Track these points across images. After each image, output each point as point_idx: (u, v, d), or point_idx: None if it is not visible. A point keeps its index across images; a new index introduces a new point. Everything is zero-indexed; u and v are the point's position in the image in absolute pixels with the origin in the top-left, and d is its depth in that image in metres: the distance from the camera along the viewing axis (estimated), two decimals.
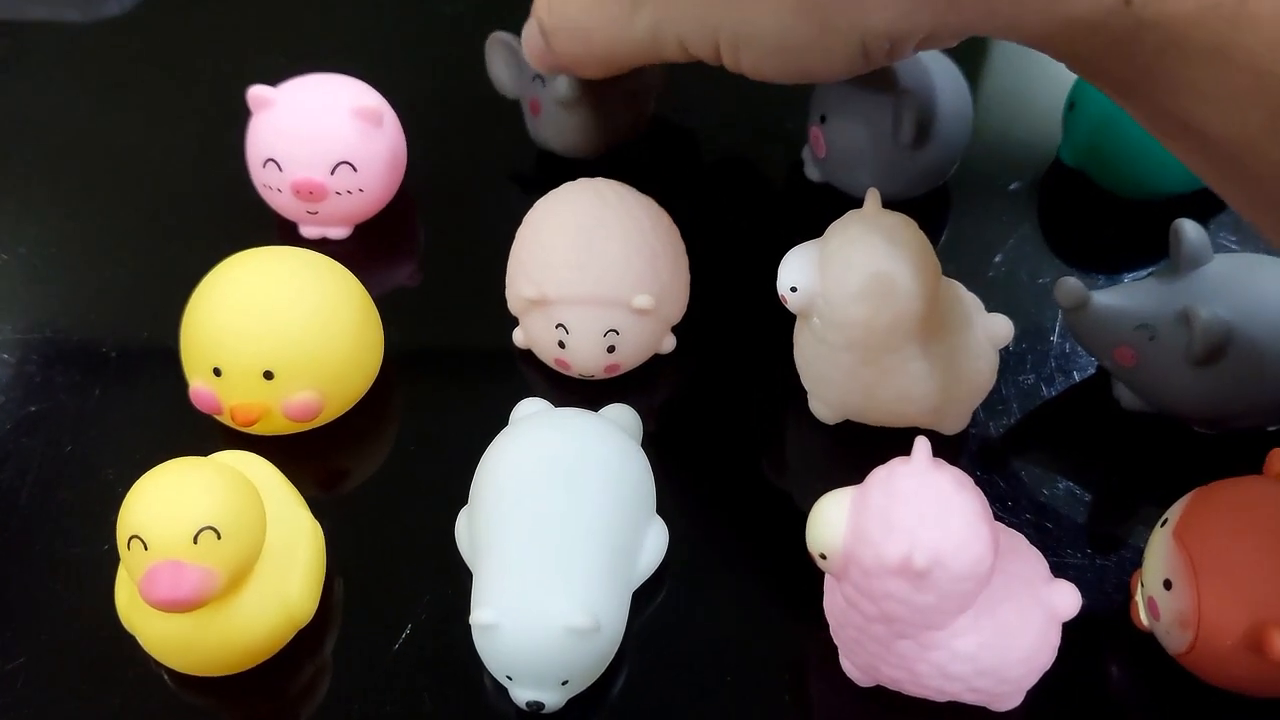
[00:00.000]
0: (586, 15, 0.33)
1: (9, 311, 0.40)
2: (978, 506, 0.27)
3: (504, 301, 0.38)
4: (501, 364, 0.38)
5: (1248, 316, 0.32)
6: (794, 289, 0.32)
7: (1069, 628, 0.32)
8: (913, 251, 0.31)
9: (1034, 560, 0.29)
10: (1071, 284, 0.33)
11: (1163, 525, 0.30)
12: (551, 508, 0.30)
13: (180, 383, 0.35)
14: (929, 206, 0.41)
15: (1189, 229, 0.33)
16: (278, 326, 0.33)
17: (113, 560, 0.31)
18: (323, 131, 0.38)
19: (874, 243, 0.31)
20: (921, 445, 0.27)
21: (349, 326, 0.34)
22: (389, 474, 0.36)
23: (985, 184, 0.43)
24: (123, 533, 0.28)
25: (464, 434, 0.34)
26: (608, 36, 0.33)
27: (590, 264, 0.35)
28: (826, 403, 0.35)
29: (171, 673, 0.31)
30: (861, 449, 0.35)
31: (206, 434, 0.35)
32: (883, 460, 0.28)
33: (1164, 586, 0.29)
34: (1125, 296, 0.33)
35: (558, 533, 0.30)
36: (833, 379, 0.34)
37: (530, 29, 0.37)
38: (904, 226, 0.32)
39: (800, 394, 0.36)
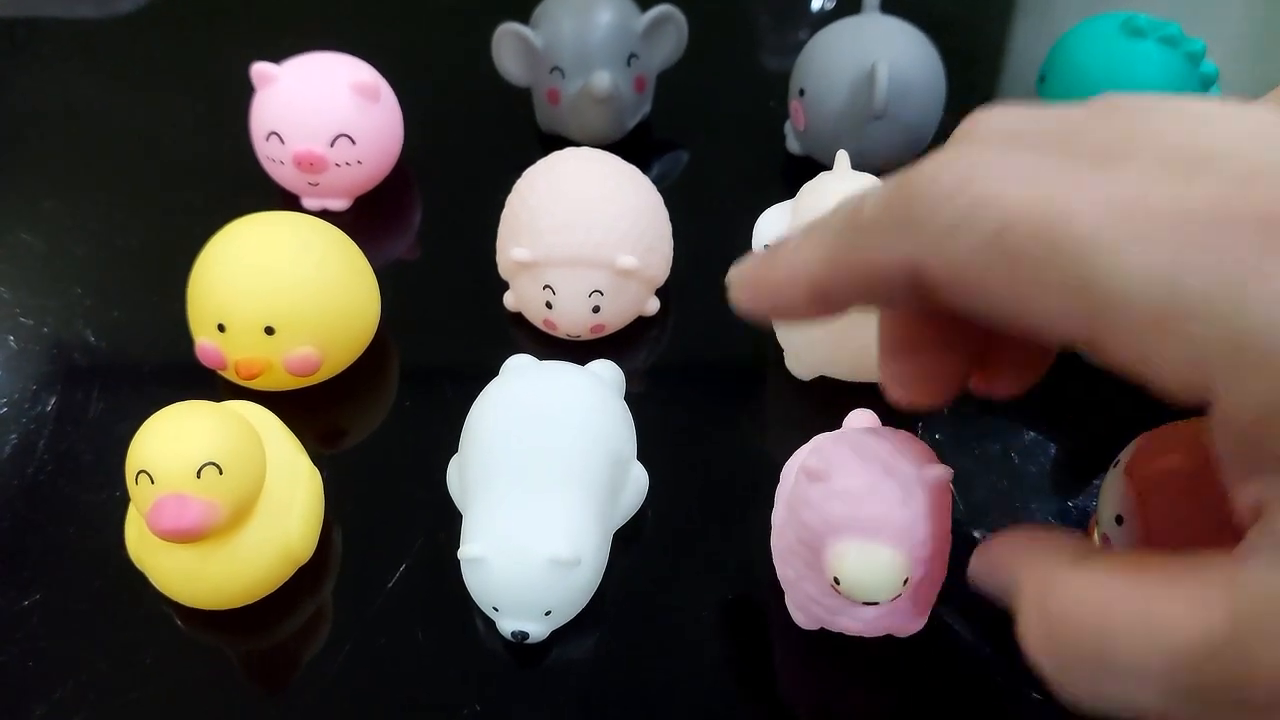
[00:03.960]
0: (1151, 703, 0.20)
1: (28, 278, 0.42)
2: None
3: (495, 269, 0.40)
4: (493, 327, 0.40)
5: None
6: (767, 246, 0.34)
7: None
8: None
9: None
10: None
11: (1115, 465, 0.31)
12: (536, 449, 0.32)
13: (187, 343, 0.37)
14: None
15: None
16: (278, 284, 0.35)
17: (122, 505, 0.33)
18: (322, 105, 0.40)
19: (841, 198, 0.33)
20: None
21: (346, 285, 0.36)
22: (385, 429, 0.38)
23: None
24: (131, 468, 0.29)
25: (456, 392, 0.36)
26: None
27: (576, 227, 0.37)
28: (800, 359, 0.37)
29: (178, 609, 0.33)
30: (833, 404, 0.36)
31: (212, 389, 0.37)
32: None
33: (1116, 522, 0.31)
34: None
35: (541, 473, 0.31)
36: (804, 332, 0.35)
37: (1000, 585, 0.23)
38: (869, 185, 0.34)
39: (776, 355, 0.38)
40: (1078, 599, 0.21)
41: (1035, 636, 0.22)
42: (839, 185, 0.34)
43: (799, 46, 0.44)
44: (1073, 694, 0.21)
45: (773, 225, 0.34)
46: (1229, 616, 0.19)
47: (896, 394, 0.26)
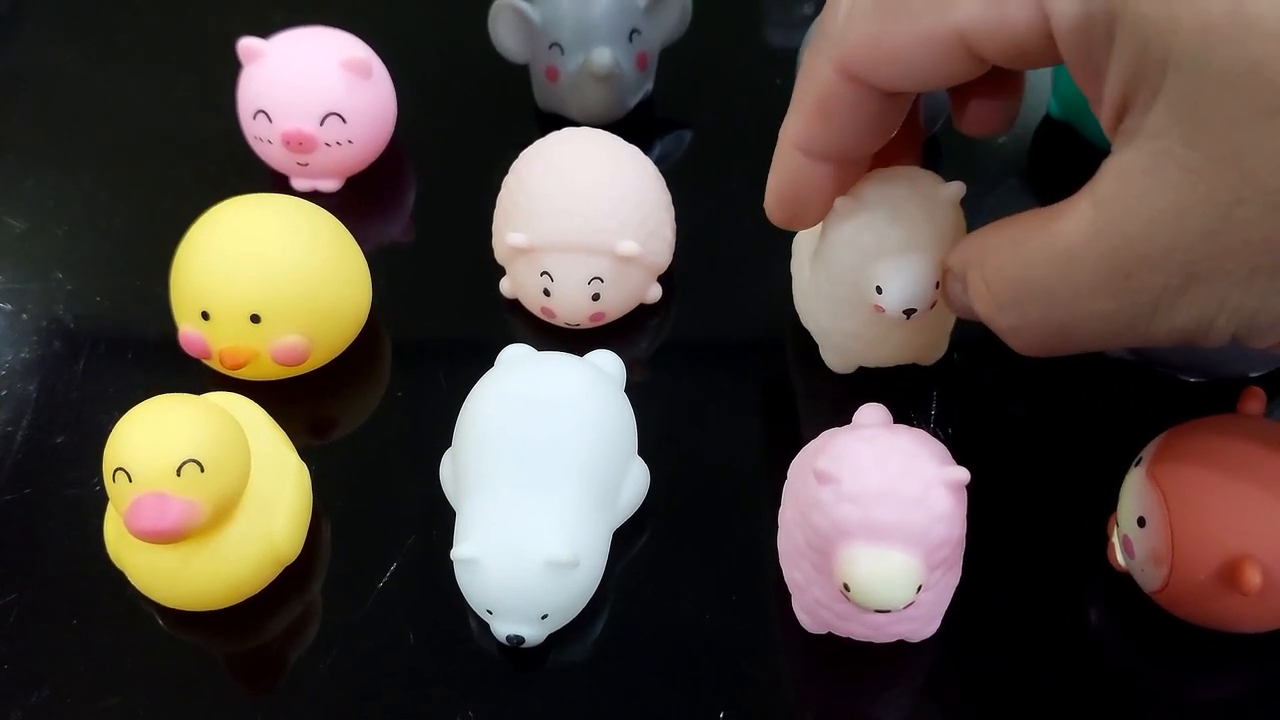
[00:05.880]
0: (1079, 308, 0.24)
1: (5, 261, 0.40)
2: None
3: (491, 254, 0.38)
4: (489, 314, 0.39)
5: None
6: (910, 311, 0.30)
7: (1046, 570, 0.32)
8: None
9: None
10: None
11: (1137, 465, 0.30)
12: (532, 445, 0.30)
13: (171, 330, 0.35)
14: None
15: None
16: (264, 270, 0.33)
17: (103, 500, 0.31)
18: (311, 83, 0.39)
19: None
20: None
21: (335, 271, 0.35)
22: (376, 420, 0.36)
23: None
24: (108, 465, 0.28)
25: (451, 382, 0.35)
26: (1112, 333, 0.24)
27: (574, 211, 0.35)
28: (838, 350, 0.35)
29: (161, 609, 0.32)
30: (844, 396, 0.35)
31: (196, 379, 0.36)
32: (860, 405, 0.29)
33: (1138, 524, 0.29)
34: None
35: (538, 470, 0.30)
36: (841, 324, 0.34)
37: (964, 303, 0.27)
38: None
39: (781, 344, 0.37)
40: (997, 251, 0.25)
41: (983, 299, 0.26)
42: (878, 190, 0.32)
43: (804, 21, 0.42)
44: (1022, 335, 0.25)
45: (912, 282, 0.30)
46: (1092, 205, 0.22)
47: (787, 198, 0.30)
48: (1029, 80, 0.46)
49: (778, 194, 0.30)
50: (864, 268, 0.30)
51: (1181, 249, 0.21)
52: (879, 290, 0.30)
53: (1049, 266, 0.24)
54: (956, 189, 0.30)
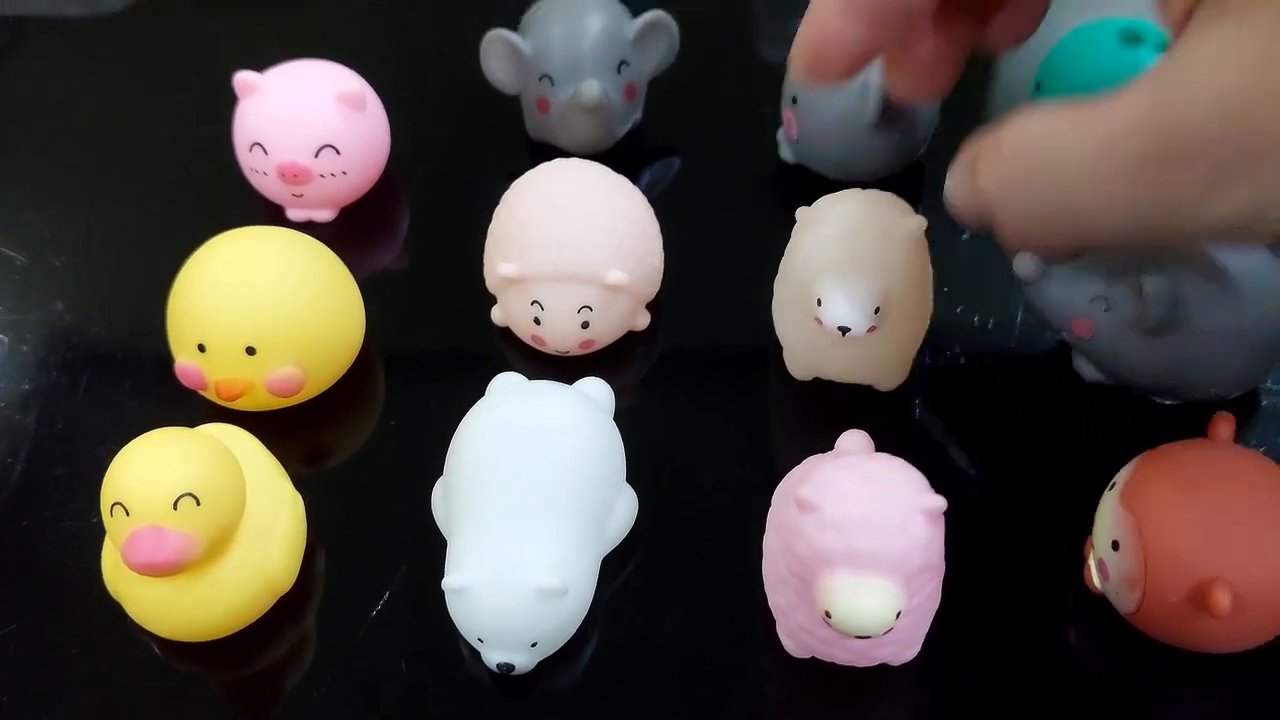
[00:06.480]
0: (1112, 192, 0.22)
1: (4, 293, 0.41)
2: None
3: (483, 282, 0.39)
4: (480, 342, 0.39)
5: (1200, 287, 0.33)
6: (845, 329, 0.32)
7: (1025, 592, 0.33)
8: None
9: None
10: (1029, 257, 0.34)
11: (1111, 489, 0.31)
12: (522, 475, 0.31)
13: (168, 361, 0.36)
14: (901, 184, 0.42)
15: None
16: (259, 303, 0.34)
17: (102, 532, 0.32)
18: (306, 115, 0.39)
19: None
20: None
21: (329, 303, 0.35)
22: (370, 449, 0.37)
23: None
24: (106, 500, 0.29)
25: (443, 410, 0.35)
26: (1140, 225, 0.23)
27: (564, 241, 0.36)
28: (798, 357, 0.36)
29: (158, 639, 0.32)
30: (827, 421, 0.36)
31: (193, 410, 0.37)
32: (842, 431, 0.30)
33: (1112, 548, 0.30)
34: (1081, 269, 0.34)
35: (527, 499, 0.31)
36: (802, 332, 0.35)
37: (967, 182, 0.26)
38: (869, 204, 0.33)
39: (768, 373, 0.38)
40: (1024, 125, 0.24)
41: (991, 179, 0.24)
42: (839, 207, 0.33)
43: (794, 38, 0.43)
44: (1026, 221, 0.24)
45: (850, 305, 0.32)
46: (1153, 84, 0.22)
47: (905, 86, 0.30)
48: (1018, 97, 0.46)
49: (804, 40, 0.28)
50: (811, 279, 0.32)
51: (1243, 130, 0.21)
52: (819, 303, 0.32)
53: (1086, 146, 0.22)
54: (918, 224, 0.32)
